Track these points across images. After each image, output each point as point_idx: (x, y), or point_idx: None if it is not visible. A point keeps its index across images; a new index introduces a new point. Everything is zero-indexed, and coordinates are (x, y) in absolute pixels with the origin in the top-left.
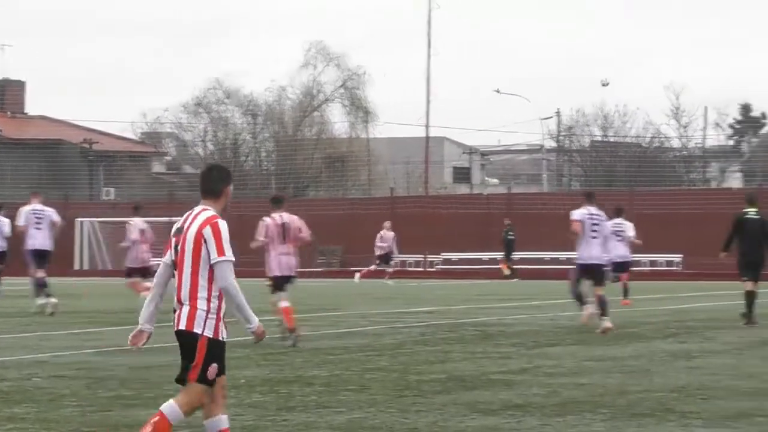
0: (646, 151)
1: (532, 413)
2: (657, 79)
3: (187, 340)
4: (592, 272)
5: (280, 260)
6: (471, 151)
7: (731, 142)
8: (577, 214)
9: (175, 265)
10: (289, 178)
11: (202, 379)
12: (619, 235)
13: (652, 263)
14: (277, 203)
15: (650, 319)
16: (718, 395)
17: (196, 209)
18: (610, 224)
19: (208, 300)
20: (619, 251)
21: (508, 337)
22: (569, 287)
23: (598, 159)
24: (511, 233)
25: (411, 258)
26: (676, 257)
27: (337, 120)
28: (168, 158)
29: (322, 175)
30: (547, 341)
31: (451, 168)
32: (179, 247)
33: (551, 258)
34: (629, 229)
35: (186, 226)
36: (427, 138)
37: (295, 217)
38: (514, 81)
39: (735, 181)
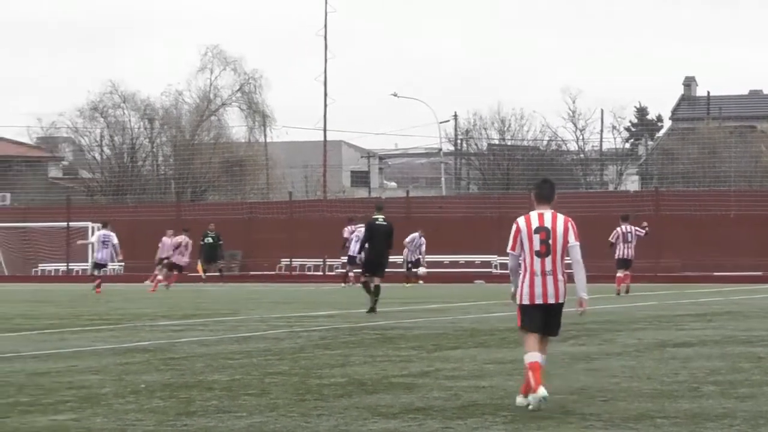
0: (543, 154)
1: (433, 416)
2: (553, 83)
3: (558, 309)
4: None
5: None
6: (369, 154)
7: (628, 145)
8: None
9: (539, 252)
10: (187, 182)
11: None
12: None
13: None
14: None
15: None
16: (618, 397)
17: (547, 212)
18: None
19: (563, 274)
20: None
21: (408, 341)
22: None
23: (496, 162)
24: (215, 239)
25: (309, 262)
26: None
27: (235, 124)
28: (65, 163)
29: (221, 179)
30: (448, 344)
31: (349, 172)
32: (550, 240)
33: (450, 261)
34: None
35: (550, 225)
36: (325, 142)
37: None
38: (411, 85)
39: (632, 183)
